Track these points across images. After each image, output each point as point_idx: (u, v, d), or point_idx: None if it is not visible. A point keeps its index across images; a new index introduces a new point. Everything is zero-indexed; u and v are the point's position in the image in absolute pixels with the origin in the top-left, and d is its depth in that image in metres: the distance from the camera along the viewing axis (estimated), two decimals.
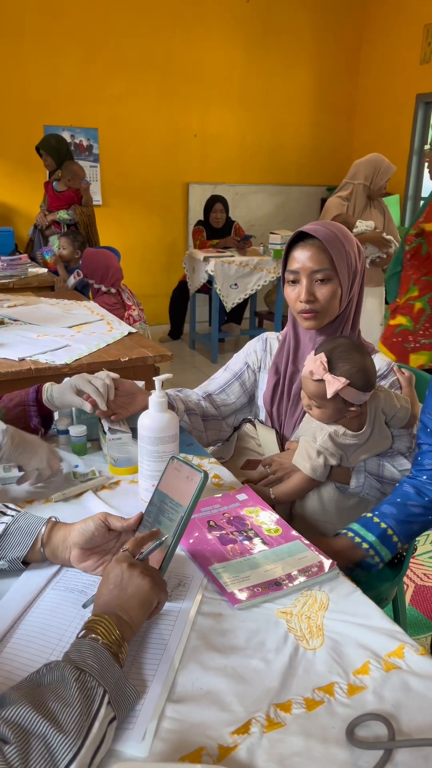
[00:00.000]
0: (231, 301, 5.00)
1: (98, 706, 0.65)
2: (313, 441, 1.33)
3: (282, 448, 1.51)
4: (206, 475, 0.89)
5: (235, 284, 4.96)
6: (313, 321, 1.36)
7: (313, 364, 1.26)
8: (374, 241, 3.50)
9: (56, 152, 4.38)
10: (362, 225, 3.48)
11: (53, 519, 0.98)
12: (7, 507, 0.99)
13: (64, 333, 2.33)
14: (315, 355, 1.28)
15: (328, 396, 1.24)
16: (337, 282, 1.33)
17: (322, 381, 1.25)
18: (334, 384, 1.23)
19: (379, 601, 1.44)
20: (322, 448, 1.31)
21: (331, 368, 1.25)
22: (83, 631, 0.74)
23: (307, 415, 1.38)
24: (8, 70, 5.08)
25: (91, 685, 0.66)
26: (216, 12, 5.71)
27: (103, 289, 3.61)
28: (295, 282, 1.37)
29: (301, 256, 1.34)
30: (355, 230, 3.48)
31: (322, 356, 1.25)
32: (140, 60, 5.53)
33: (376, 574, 1.57)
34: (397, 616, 1.68)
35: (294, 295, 1.38)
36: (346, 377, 1.23)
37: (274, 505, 1.48)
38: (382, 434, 1.33)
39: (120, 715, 0.68)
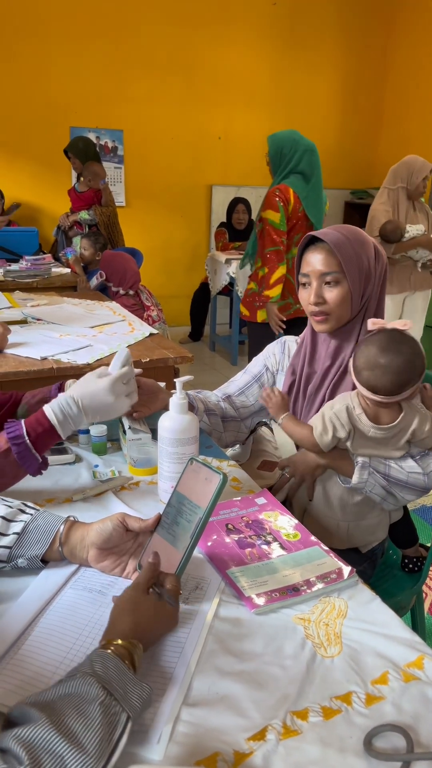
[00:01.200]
0: None
1: (121, 732, 0.64)
2: (330, 408, 1.33)
3: (298, 449, 1.51)
4: (225, 477, 0.89)
5: None
6: (324, 324, 1.38)
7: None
8: (426, 244, 3.50)
9: (83, 154, 4.41)
10: (413, 229, 3.48)
11: (71, 518, 0.98)
12: (26, 505, 1.00)
13: (86, 333, 2.34)
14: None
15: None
16: (347, 285, 1.33)
17: None
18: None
19: (398, 610, 1.43)
20: (334, 416, 1.31)
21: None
22: (112, 649, 0.72)
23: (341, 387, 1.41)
24: (35, 73, 5.13)
25: (116, 710, 0.64)
26: (242, 14, 5.72)
27: (121, 291, 3.63)
28: (306, 285, 1.39)
29: (312, 260, 1.37)
30: (407, 235, 3.47)
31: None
32: (166, 62, 5.55)
33: (395, 582, 1.56)
34: (416, 625, 1.66)
35: (305, 297, 1.40)
36: (367, 368, 1.24)
37: (291, 505, 1.48)
38: (399, 445, 1.31)
39: (136, 717, 0.67)
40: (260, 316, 3.35)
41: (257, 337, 3.42)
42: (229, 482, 1.29)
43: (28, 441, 1.08)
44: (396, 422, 1.28)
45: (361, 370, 1.25)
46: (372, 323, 1.29)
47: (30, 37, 5.05)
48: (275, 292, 3.24)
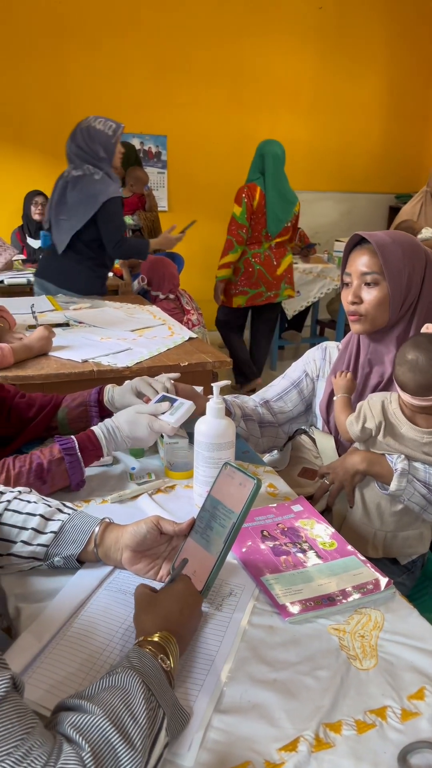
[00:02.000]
0: (293, 308, 4.96)
1: (159, 728, 0.64)
2: (367, 401, 1.32)
3: (339, 455, 1.49)
4: (259, 482, 0.88)
5: (298, 291, 4.91)
6: (359, 324, 1.37)
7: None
8: None
9: (125, 160, 4.47)
10: (428, 232, 3.42)
11: (107, 520, 0.99)
12: (65, 505, 1.01)
13: (126, 336, 2.37)
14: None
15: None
16: (386, 287, 1.31)
17: None
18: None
19: None
20: (367, 406, 1.30)
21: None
22: (149, 647, 0.73)
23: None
24: (84, 81, 5.22)
25: (153, 705, 0.65)
26: (288, 19, 5.71)
27: (161, 296, 3.65)
28: (348, 284, 1.38)
29: (355, 259, 1.36)
30: (420, 236, 3.42)
31: None
32: (210, 67, 5.58)
33: None
34: None
35: (344, 296, 1.39)
36: (398, 363, 1.22)
37: (329, 513, 1.46)
38: (427, 449, 1.28)
39: (172, 740, 0.68)
40: (235, 302, 4.10)
41: (228, 319, 4.24)
42: (265, 488, 1.28)
43: (79, 454, 1.19)
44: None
45: (395, 366, 1.24)
46: (425, 327, 1.28)
47: (78, 48, 5.15)
48: (221, 273, 4.00)
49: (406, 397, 1.23)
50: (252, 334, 4.42)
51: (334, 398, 1.42)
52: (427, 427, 1.26)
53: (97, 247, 3.01)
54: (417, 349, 1.20)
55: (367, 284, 1.34)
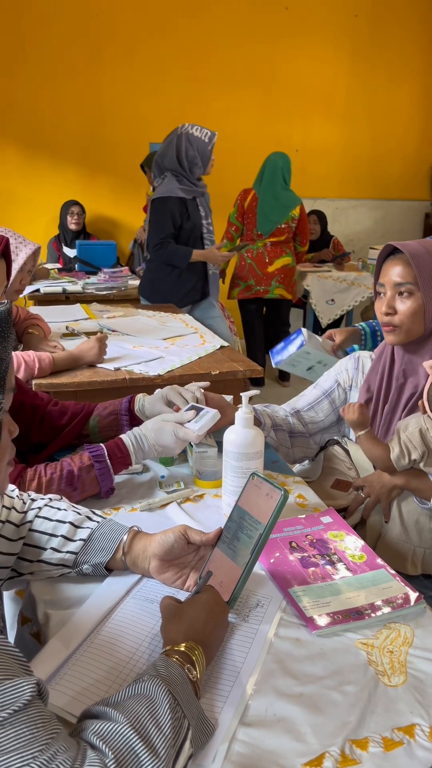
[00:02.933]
0: (327, 317, 4.93)
1: (183, 739, 0.64)
2: (404, 430, 1.30)
3: (375, 468, 1.47)
4: (286, 493, 0.88)
5: (332, 300, 4.88)
6: (393, 335, 1.35)
7: None
8: None
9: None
10: None
11: (135, 528, 0.99)
12: (94, 513, 1.02)
13: (158, 345, 2.38)
14: None
15: (425, 390, 1.23)
16: (420, 298, 1.29)
17: None
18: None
19: None
20: (407, 439, 1.28)
21: None
22: (176, 656, 0.73)
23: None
24: (117, 92, 5.30)
25: (179, 715, 0.65)
26: (322, 26, 5.70)
27: None
28: (382, 294, 1.37)
29: (388, 270, 1.35)
30: None
31: None
32: (244, 75, 5.60)
33: None
34: None
35: (378, 307, 1.38)
36: None
37: (361, 526, 1.44)
38: None
39: (196, 752, 0.68)
40: (231, 295, 4.51)
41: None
42: (294, 499, 1.28)
43: (108, 461, 1.20)
44: None
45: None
46: None
47: (112, 59, 5.23)
48: None
49: None
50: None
51: (357, 435, 1.39)
52: None
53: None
54: None
55: (401, 294, 1.33)
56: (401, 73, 6.08)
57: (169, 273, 3.13)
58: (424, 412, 1.24)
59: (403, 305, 1.32)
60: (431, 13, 5.99)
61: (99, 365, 2.07)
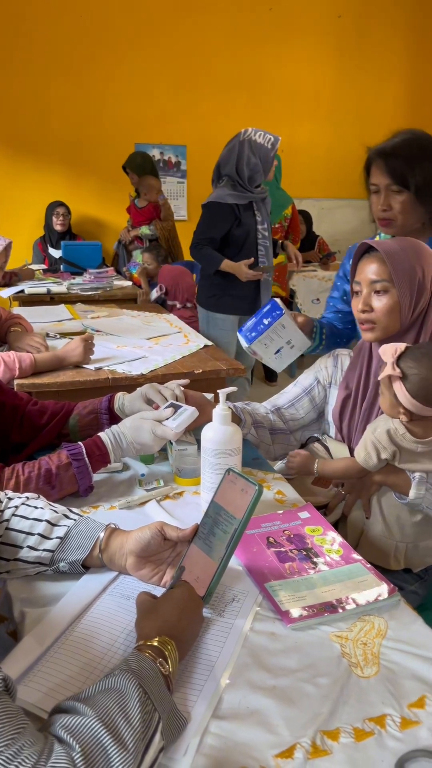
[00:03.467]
0: (312, 315, 4.95)
1: (153, 732, 0.65)
2: (372, 432, 1.31)
3: None
4: (261, 488, 0.88)
5: (317, 299, 4.90)
6: (370, 333, 1.36)
7: (391, 347, 1.25)
8: None
9: (141, 169, 4.52)
10: None
11: (112, 525, 1.00)
12: (71, 511, 1.02)
13: (142, 344, 2.39)
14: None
15: (379, 376, 1.25)
16: (395, 295, 1.30)
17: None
18: (387, 370, 1.22)
19: None
20: (376, 440, 1.29)
21: (401, 360, 1.23)
22: (149, 651, 0.73)
23: None
24: (104, 93, 5.30)
25: (149, 708, 0.66)
26: (307, 28, 5.72)
27: (178, 305, 3.68)
28: (358, 293, 1.38)
29: (364, 268, 1.35)
30: None
31: (402, 345, 1.25)
32: (230, 77, 5.62)
33: None
34: None
35: (355, 305, 1.38)
36: (405, 374, 1.21)
37: (336, 523, 1.45)
38: None
39: (168, 745, 0.68)
40: None
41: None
42: (273, 495, 1.28)
43: (86, 460, 1.20)
44: None
45: (413, 377, 1.23)
46: None
47: (96, 58, 5.22)
48: None
49: (417, 407, 1.21)
50: None
51: (315, 474, 1.42)
52: (423, 436, 1.26)
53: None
54: (426, 362, 1.20)
55: (377, 292, 1.33)
56: (386, 74, 6.12)
57: (219, 279, 3.08)
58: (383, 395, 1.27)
59: (380, 302, 1.33)
60: (415, 13, 6.03)
61: (85, 366, 2.07)
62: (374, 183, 1.63)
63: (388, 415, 1.29)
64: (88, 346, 2.07)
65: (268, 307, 1.64)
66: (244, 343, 1.66)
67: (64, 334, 2.48)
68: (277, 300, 1.65)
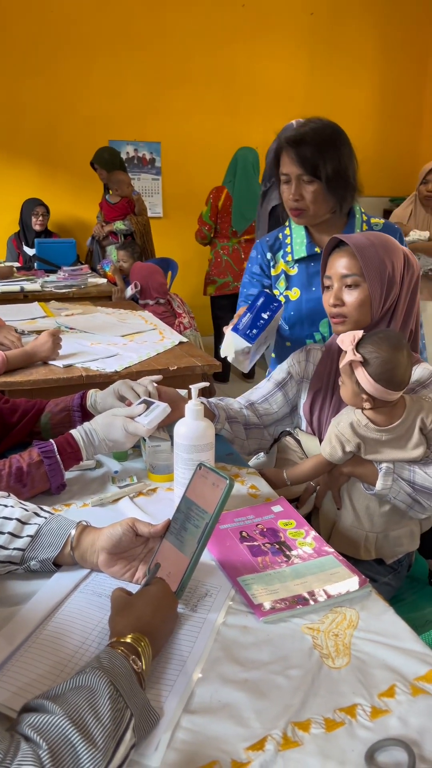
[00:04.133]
0: None
1: (125, 729, 0.64)
2: (336, 426, 1.32)
3: None
4: (232, 482, 0.88)
5: None
6: (341, 326, 1.37)
7: (349, 335, 1.26)
8: (424, 250, 3.44)
9: (109, 164, 4.49)
10: (415, 234, 3.42)
11: (83, 523, 0.99)
12: (42, 509, 1.01)
13: (117, 342, 2.37)
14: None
15: (340, 365, 1.27)
16: (366, 289, 1.32)
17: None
18: (348, 356, 1.24)
19: (425, 624, 1.39)
20: (339, 433, 1.31)
21: (359, 346, 1.24)
22: (121, 648, 0.73)
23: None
24: (77, 89, 5.25)
25: (120, 706, 0.65)
26: (279, 25, 5.73)
27: (150, 302, 3.67)
28: (329, 287, 1.39)
29: (334, 262, 1.37)
30: (407, 239, 3.42)
31: (360, 332, 1.26)
32: (203, 74, 5.60)
33: (423, 595, 1.52)
34: None
35: (326, 300, 1.39)
36: (365, 359, 1.22)
37: (309, 516, 1.46)
38: (413, 441, 1.28)
39: (139, 742, 0.67)
40: (207, 291, 4.60)
41: (214, 311, 4.69)
42: (247, 490, 1.29)
43: (58, 457, 1.19)
44: (402, 418, 1.27)
45: (377, 365, 1.25)
46: None
47: (70, 55, 5.17)
48: None
49: (381, 392, 1.23)
50: None
51: (288, 484, 1.43)
52: (385, 424, 1.28)
53: None
54: (385, 346, 1.23)
55: (348, 286, 1.35)
56: (358, 71, 6.16)
57: None
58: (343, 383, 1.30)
59: (350, 296, 1.34)
60: (386, 10, 6.07)
61: (52, 362, 2.05)
62: (285, 173, 1.62)
63: (351, 405, 1.31)
64: (56, 340, 2.05)
65: (261, 299, 1.52)
66: (242, 344, 1.50)
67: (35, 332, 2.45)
68: (266, 290, 1.61)
